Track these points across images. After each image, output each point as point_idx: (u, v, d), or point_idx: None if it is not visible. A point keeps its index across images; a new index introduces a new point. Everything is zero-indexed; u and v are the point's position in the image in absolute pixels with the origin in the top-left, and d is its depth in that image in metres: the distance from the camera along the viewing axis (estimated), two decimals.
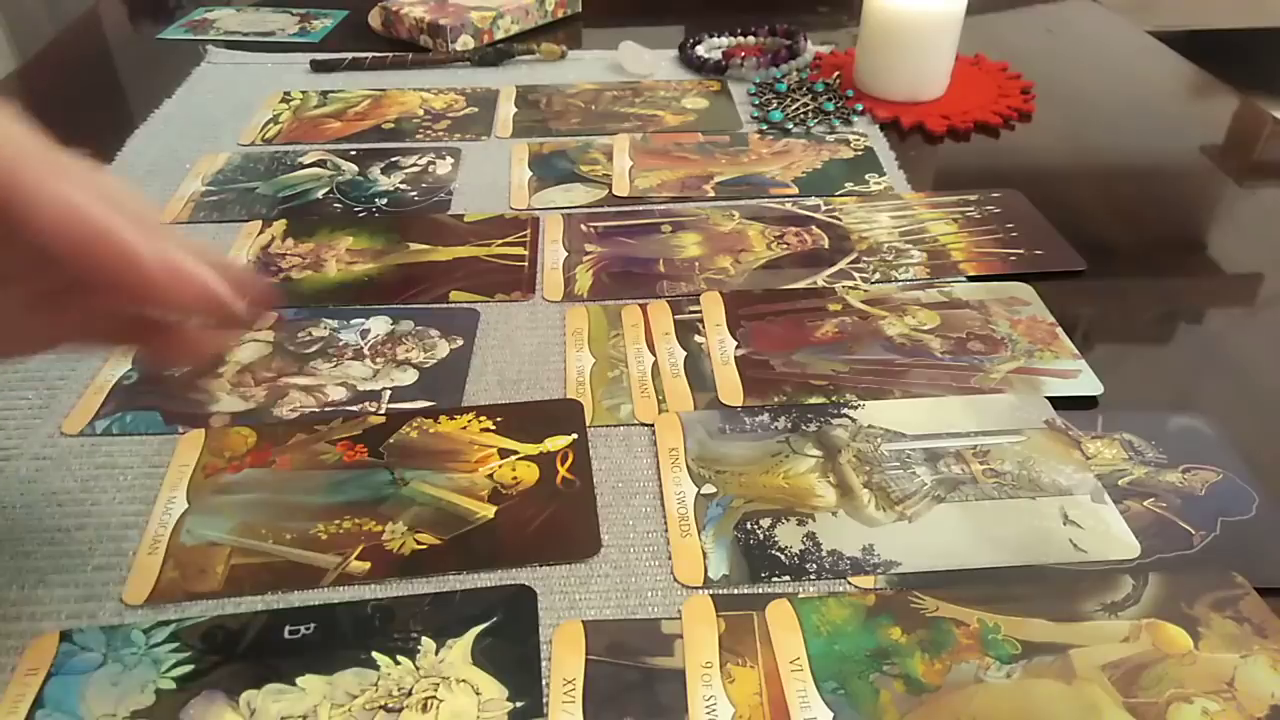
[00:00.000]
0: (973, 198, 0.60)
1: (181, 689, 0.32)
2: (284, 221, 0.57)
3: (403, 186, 0.61)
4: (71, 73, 0.81)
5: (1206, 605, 0.34)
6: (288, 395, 0.44)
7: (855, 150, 0.66)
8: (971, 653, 0.33)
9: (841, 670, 0.32)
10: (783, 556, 0.36)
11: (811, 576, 0.36)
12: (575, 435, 0.42)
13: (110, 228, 0.28)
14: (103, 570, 0.36)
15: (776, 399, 0.44)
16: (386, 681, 0.32)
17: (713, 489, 0.39)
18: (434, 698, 0.32)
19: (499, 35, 0.84)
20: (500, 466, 0.40)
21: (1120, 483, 0.40)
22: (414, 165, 0.64)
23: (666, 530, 0.38)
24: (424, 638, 0.34)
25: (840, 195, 0.60)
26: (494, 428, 0.42)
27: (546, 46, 0.81)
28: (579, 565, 0.36)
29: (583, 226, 0.57)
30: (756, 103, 0.72)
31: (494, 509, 0.38)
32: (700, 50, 0.80)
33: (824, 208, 0.59)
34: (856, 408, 0.43)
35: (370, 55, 0.79)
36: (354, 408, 0.44)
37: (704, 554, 0.36)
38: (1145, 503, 0.39)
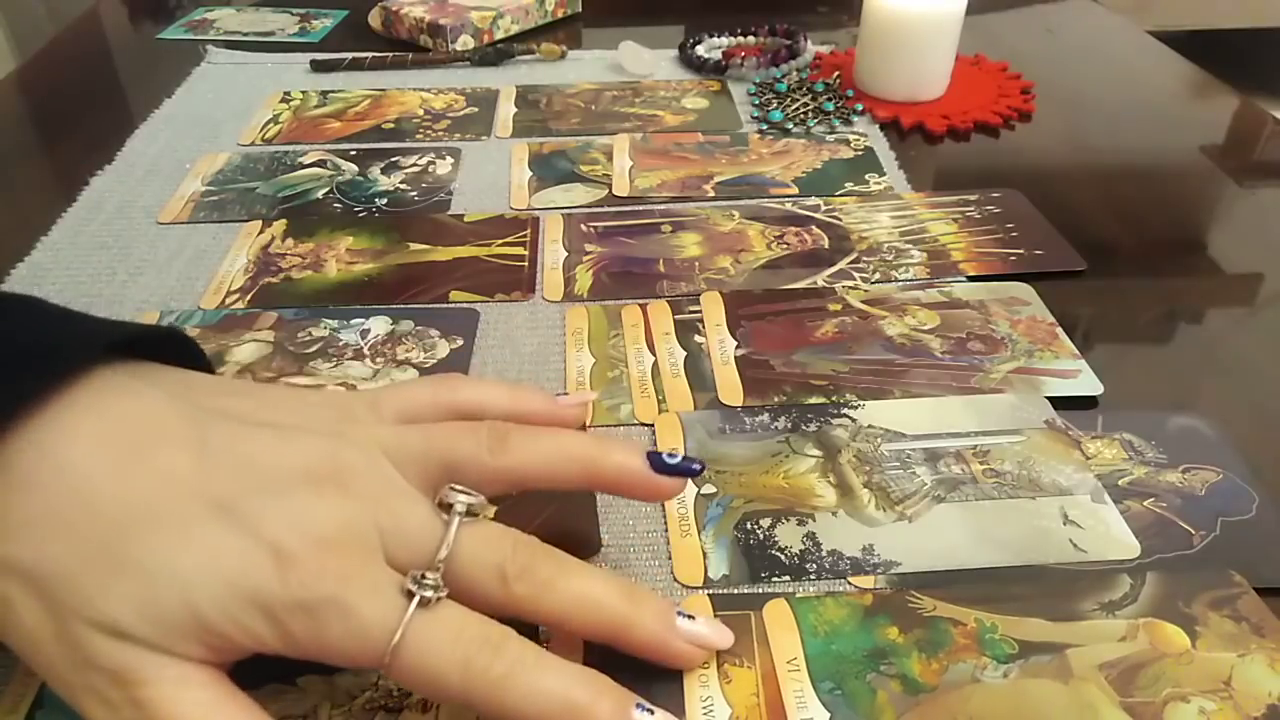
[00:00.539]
0: (973, 198, 0.60)
1: None
2: (284, 221, 0.57)
3: (403, 186, 0.62)
4: (71, 73, 0.81)
5: (1204, 604, 0.34)
6: None
7: (855, 150, 0.66)
8: (968, 652, 0.33)
9: (838, 670, 0.32)
10: (783, 556, 0.36)
11: (811, 577, 0.36)
12: None
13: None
14: None
15: (776, 399, 0.44)
16: (387, 681, 0.32)
17: (713, 489, 0.39)
18: None
19: (499, 35, 0.84)
20: None
21: (1120, 483, 0.40)
22: (414, 165, 0.64)
23: (666, 530, 0.38)
24: None
25: (840, 195, 0.60)
26: None
27: (546, 46, 0.81)
28: None
29: (583, 226, 0.57)
30: (756, 103, 0.72)
31: (493, 509, 0.38)
32: (700, 50, 0.80)
33: (824, 208, 0.59)
34: (856, 408, 0.43)
35: (370, 55, 0.79)
36: None
37: (704, 554, 0.36)
38: (1145, 503, 0.39)
